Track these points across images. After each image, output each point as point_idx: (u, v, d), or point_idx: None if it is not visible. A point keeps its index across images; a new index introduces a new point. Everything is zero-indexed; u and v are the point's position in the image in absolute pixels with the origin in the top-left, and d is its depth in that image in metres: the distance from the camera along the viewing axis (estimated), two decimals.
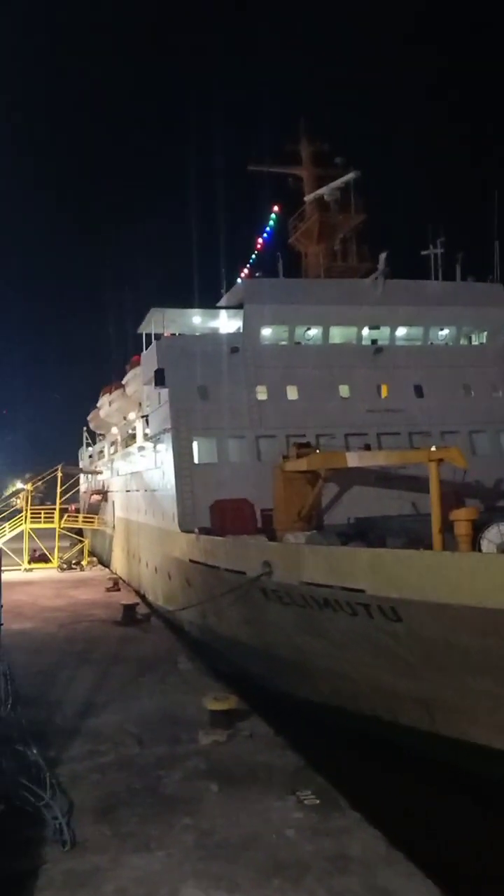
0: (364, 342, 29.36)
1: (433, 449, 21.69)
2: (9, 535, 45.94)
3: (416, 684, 16.39)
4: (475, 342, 30.97)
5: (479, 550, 16.05)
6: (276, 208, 35.49)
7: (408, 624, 15.92)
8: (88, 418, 59.76)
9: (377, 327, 29.05)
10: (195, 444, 27.18)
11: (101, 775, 13.08)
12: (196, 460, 27.07)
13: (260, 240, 36.09)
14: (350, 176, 31.04)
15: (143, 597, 33.37)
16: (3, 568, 17.10)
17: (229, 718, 15.21)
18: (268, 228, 35.86)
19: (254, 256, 35.99)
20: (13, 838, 10.50)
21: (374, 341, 29.17)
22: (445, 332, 30.58)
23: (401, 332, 29.92)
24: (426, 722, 16.41)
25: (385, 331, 29.32)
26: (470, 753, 15.43)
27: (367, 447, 26.36)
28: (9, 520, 47.29)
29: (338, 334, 29.62)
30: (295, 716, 17.58)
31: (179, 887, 9.24)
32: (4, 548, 45.21)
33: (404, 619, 15.93)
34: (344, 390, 28.31)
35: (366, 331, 29.30)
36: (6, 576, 16.40)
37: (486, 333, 30.58)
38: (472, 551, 16.07)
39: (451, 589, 14.76)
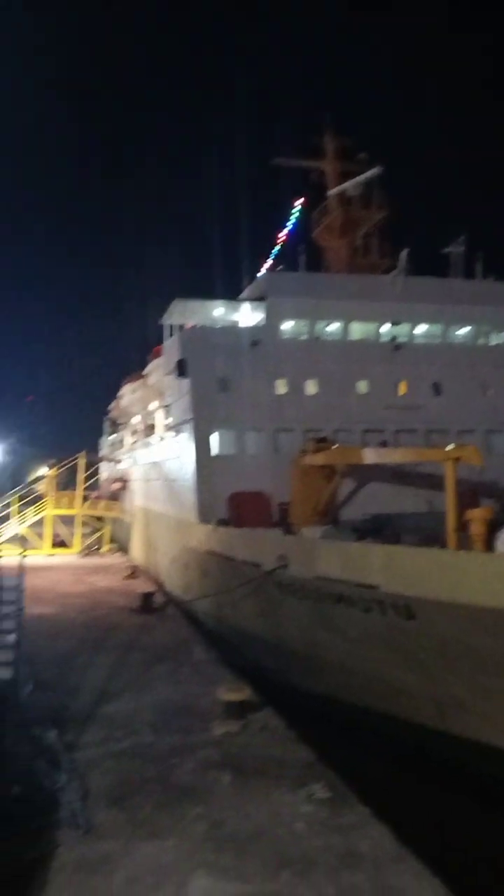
0: (383, 339, 29.39)
1: (450, 447, 21.76)
2: (32, 520, 46.56)
3: (429, 682, 16.53)
4: (494, 342, 30.83)
5: (494, 550, 16.09)
6: (299, 202, 35.49)
7: (421, 622, 16.04)
8: (110, 408, 60.22)
9: (397, 324, 29.06)
10: (215, 436, 27.39)
11: (115, 762, 13.37)
12: (215, 452, 27.28)
13: (282, 233, 36.12)
14: (374, 172, 30.95)
15: (160, 585, 33.72)
16: (26, 552, 17.39)
17: (242, 710, 15.45)
18: (291, 222, 35.87)
19: (276, 250, 36.06)
20: (28, 822, 10.80)
21: (393, 338, 29.17)
22: (465, 330, 30.51)
23: (420, 329, 29.91)
24: (438, 720, 16.56)
25: (405, 327, 29.32)
26: (481, 754, 15.57)
27: (385, 444, 26.44)
28: (32, 505, 47.88)
29: (357, 330, 29.65)
30: (307, 710, 17.76)
31: (189, 878, 9.49)
32: (27, 532, 45.94)
33: (418, 616, 16.06)
34: (362, 386, 28.37)
35: (385, 327, 29.33)
36: (28, 560, 16.69)
37: None
38: (486, 551, 16.13)
39: (465, 588, 14.86)
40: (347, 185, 31.68)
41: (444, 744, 16.08)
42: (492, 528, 16.45)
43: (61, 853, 10.10)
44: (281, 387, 27.89)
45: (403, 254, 28.34)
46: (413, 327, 29.49)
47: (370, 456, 22.65)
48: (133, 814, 11.30)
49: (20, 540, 43.89)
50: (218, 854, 10.04)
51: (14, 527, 45.26)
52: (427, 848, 10.21)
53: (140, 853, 10.11)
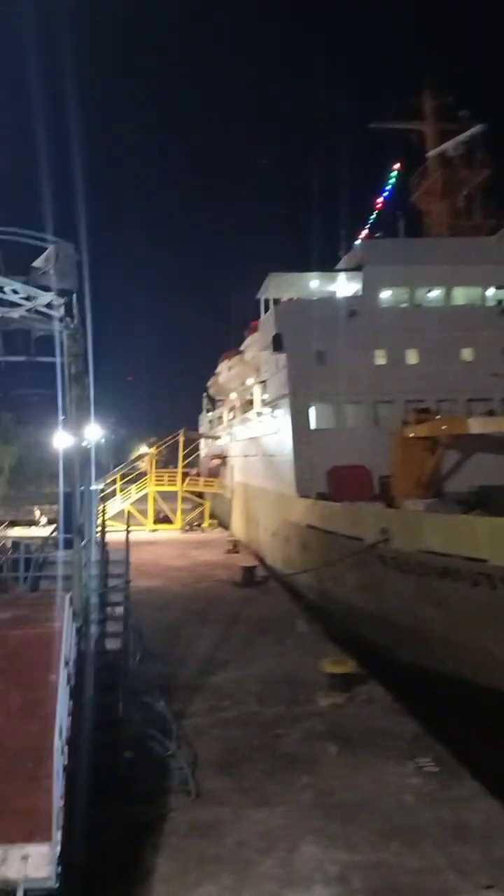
0: (489, 303, 28.25)
1: None
2: (135, 497, 47.83)
3: None
4: None
5: None
6: (396, 166, 34.41)
7: None
8: (208, 384, 60.86)
9: (502, 287, 27.87)
10: (313, 410, 27.18)
11: (223, 730, 13.58)
12: (313, 426, 27.09)
13: (380, 200, 35.15)
14: (476, 129, 29.65)
15: (261, 559, 33.98)
16: (129, 528, 17.84)
17: (347, 682, 15.39)
18: (388, 188, 34.87)
19: (373, 217, 35.15)
20: (142, 787, 11.12)
21: (499, 302, 28.00)
22: None
23: None
24: None
25: None
26: None
27: (492, 413, 25.51)
28: (135, 482, 49.17)
29: (461, 295, 28.62)
30: (412, 684, 17.51)
31: (298, 844, 9.53)
32: (131, 508, 47.24)
33: None
34: (467, 353, 27.41)
35: (491, 290, 28.17)
36: (132, 535, 17.10)
37: None
38: None
39: None
40: (448, 144, 30.48)
41: None
42: None
43: (173, 817, 10.35)
44: (380, 357, 27.32)
45: None
46: None
47: (476, 426, 21.96)
48: (241, 781, 11.45)
49: (124, 516, 45.23)
50: (326, 822, 10.05)
51: (118, 504, 46.59)
52: None
53: (249, 819, 10.23)
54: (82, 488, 12.98)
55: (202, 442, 63.35)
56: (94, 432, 24.40)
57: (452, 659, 18.81)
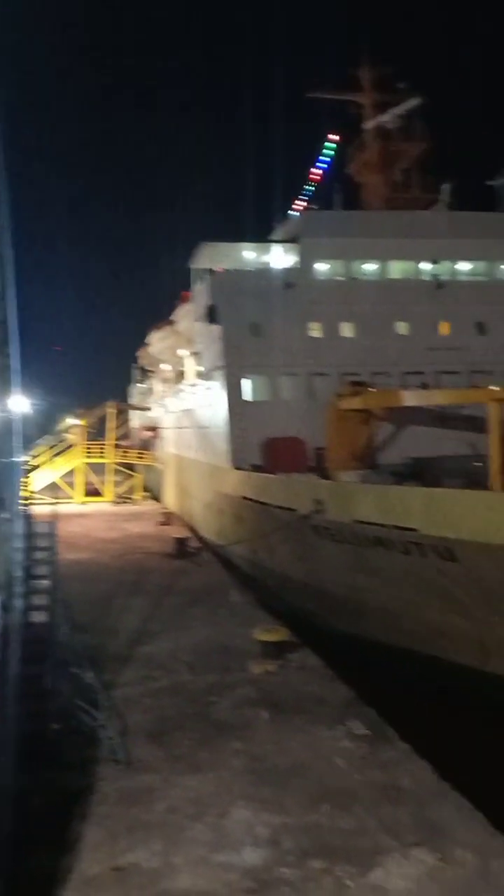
0: (424, 277, 28.44)
1: (494, 388, 21.08)
2: (64, 469, 46.84)
3: (471, 624, 16.27)
4: None
5: None
6: (333, 137, 34.07)
7: (463, 564, 15.72)
8: (138, 355, 59.73)
9: (438, 262, 28.03)
10: (248, 382, 26.96)
11: (154, 700, 13.40)
12: (248, 398, 26.89)
13: (316, 171, 34.83)
14: (413, 102, 29.61)
15: (194, 531, 33.77)
16: (58, 501, 17.37)
17: (280, 650, 15.37)
18: (325, 159, 34.55)
19: (309, 189, 34.82)
20: (70, 757, 10.84)
21: (435, 276, 28.21)
22: None
23: (463, 266, 28.84)
24: (480, 661, 16.32)
25: (447, 265, 28.29)
26: None
27: (425, 386, 25.78)
28: (63, 454, 48.11)
29: (397, 269, 28.71)
30: (345, 651, 17.67)
31: (229, 808, 9.44)
32: (60, 481, 46.26)
33: (460, 559, 15.74)
34: (402, 327, 27.57)
35: (427, 265, 28.34)
36: (61, 509, 16.65)
37: None
38: None
39: None
40: (385, 116, 30.35)
41: (486, 684, 15.86)
42: None
43: (103, 786, 10.14)
44: (316, 330, 27.22)
45: (446, 187, 27.21)
46: (455, 264, 28.43)
47: (410, 398, 22.10)
48: (172, 749, 11.29)
49: (53, 489, 44.23)
50: (258, 787, 9.98)
51: (47, 476, 45.57)
52: (469, 784, 10.03)
53: (180, 785, 10.09)
54: (5, 460, 12.44)
55: (133, 413, 62.41)
56: (19, 403, 23.58)
57: (385, 626, 19.07)
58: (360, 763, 10.66)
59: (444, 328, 27.53)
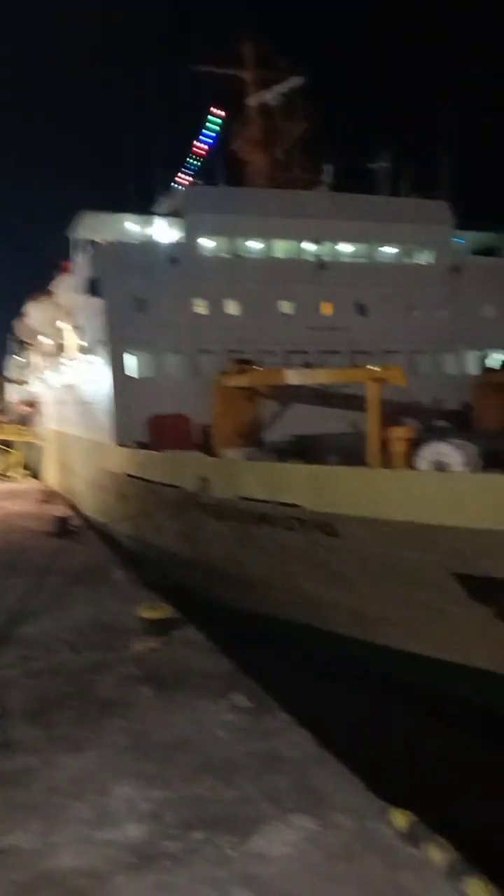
0: (307, 257, 28.79)
1: (374, 367, 21.67)
2: None
3: (351, 596, 16.80)
4: (420, 261, 30.66)
5: (415, 468, 16.24)
6: (217, 112, 33.68)
7: (343, 538, 16.18)
8: (13, 325, 57.25)
9: (321, 242, 28.45)
10: (132, 358, 26.53)
11: (33, 680, 13.05)
12: (133, 374, 26.49)
13: (200, 145, 34.37)
14: (295, 81, 29.74)
15: (76, 509, 33.08)
16: None
17: (164, 627, 15.32)
18: (209, 133, 34.14)
19: (193, 162, 34.36)
20: None
21: (317, 257, 28.61)
22: (391, 249, 30.19)
23: (345, 248, 29.40)
24: (360, 631, 16.92)
25: (329, 246, 28.76)
26: (402, 662, 16.03)
27: (309, 365, 26.19)
28: None
29: (281, 248, 28.93)
30: (230, 625, 17.85)
31: (111, 786, 9.34)
32: None
33: (341, 533, 16.18)
34: (286, 306, 27.85)
35: (309, 245, 28.69)
36: None
37: (431, 253, 30.31)
38: (407, 468, 16.28)
39: (387, 505, 15.01)
40: (268, 94, 30.32)
41: (365, 653, 16.47)
42: (413, 447, 16.58)
43: None
44: (201, 307, 27.09)
45: (327, 168, 27.57)
46: (337, 245, 28.94)
47: (293, 377, 22.37)
48: (52, 729, 11.04)
49: None
50: (141, 763, 9.92)
51: None
52: (348, 750, 10.35)
53: (61, 765, 9.89)
54: None
55: (9, 387, 60.13)
56: None
57: (270, 600, 19.41)
58: (242, 734, 10.79)
59: (327, 308, 28.03)
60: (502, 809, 11.57)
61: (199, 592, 21.49)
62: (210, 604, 20.68)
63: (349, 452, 19.55)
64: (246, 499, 18.39)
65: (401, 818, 8.53)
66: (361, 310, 28.20)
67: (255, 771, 9.75)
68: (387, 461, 17.11)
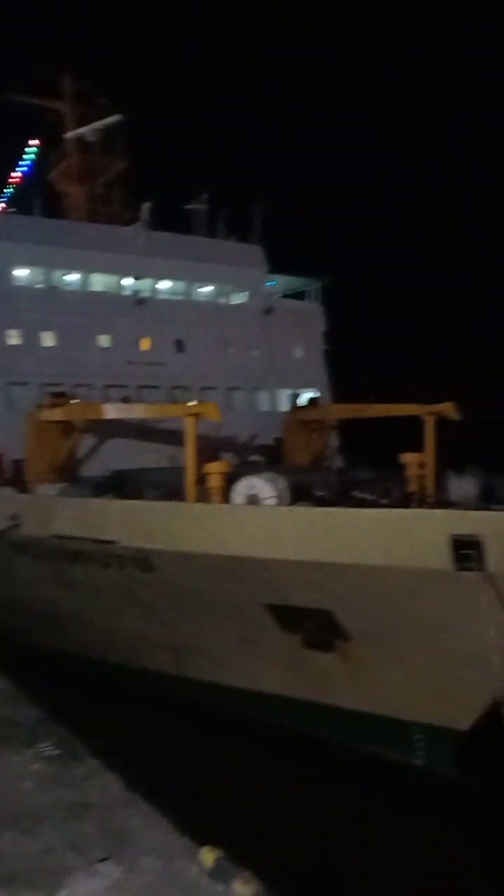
0: (126, 292, 28.87)
1: (191, 403, 22.00)
2: None
3: (167, 632, 16.79)
4: (235, 301, 31.66)
5: (230, 502, 16.60)
6: (33, 142, 33.13)
7: (159, 573, 16.16)
8: None
9: (140, 278, 28.66)
10: None
11: None
12: None
13: (16, 174, 33.58)
14: (114, 119, 29.95)
15: None
16: None
17: None
18: (26, 163, 33.44)
19: (8, 190, 33.47)
20: None
21: (136, 292, 28.77)
22: (207, 288, 30.97)
23: (164, 285, 29.80)
24: (174, 667, 16.90)
25: (147, 282, 29.03)
26: (217, 694, 16.16)
27: (127, 399, 26.12)
28: None
29: (99, 282, 28.80)
30: (43, 668, 17.21)
31: None
32: None
33: (156, 568, 16.16)
34: (104, 340, 27.65)
35: (128, 281, 28.80)
36: None
37: (245, 294, 31.42)
38: (223, 503, 16.59)
39: (202, 539, 15.20)
40: (86, 129, 30.31)
41: (180, 688, 16.47)
42: (229, 482, 16.95)
43: None
44: (13, 337, 26.25)
45: (146, 206, 27.88)
46: (156, 282, 29.27)
47: (111, 411, 22.21)
48: None
49: None
50: None
51: None
52: (159, 790, 10.26)
53: None
54: None
55: None
56: None
57: (86, 640, 18.94)
58: (48, 784, 10.36)
59: (145, 343, 28.18)
60: (311, 835, 11.94)
61: (13, 634, 20.59)
62: (26, 646, 19.86)
63: (167, 487, 19.65)
64: (60, 536, 17.91)
65: (208, 856, 8.54)
66: (179, 346, 28.61)
67: (60, 820, 9.38)
68: (203, 495, 17.36)
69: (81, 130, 30.34)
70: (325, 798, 12.94)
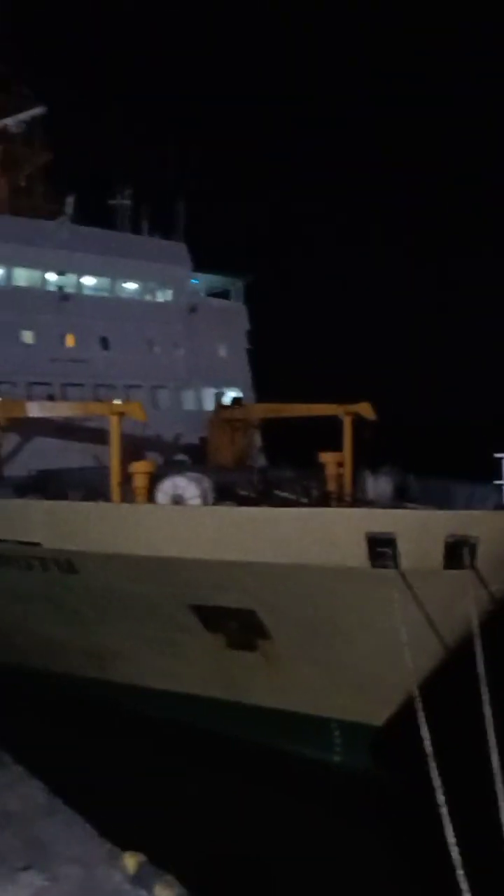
0: (50, 288, 28.36)
1: (115, 402, 21.80)
2: None
3: (89, 635, 16.71)
4: (160, 299, 31.49)
5: (155, 501, 16.62)
6: None
7: (83, 575, 16.07)
8: None
9: (63, 273, 28.17)
10: None
11: None
12: None
13: None
14: (37, 110, 29.26)
15: None
16: None
17: None
18: None
19: None
20: None
21: (60, 288, 28.28)
22: (132, 285, 30.68)
23: (89, 281, 29.38)
24: (97, 670, 16.86)
25: (71, 278, 28.56)
26: (140, 697, 16.22)
27: (51, 397, 25.72)
28: None
29: (22, 276, 28.16)
30: None
31: None
32: None
33: (80, 570, 16.06)
34: (28, 336, 27.07)
35: (52, 276, 28.29)
36: None
37: (170, 291, 31.28)
38: (148, 502, 16.59)
39: (126, 539, 15.19)
40: (8, 120, 29.53)
41: (103, 692, 16.44)
42: (154, 481, 16.96)
43: None
44: None
45: (69, 199, 27.39)
46: (80, 278, 28.83)
47: (34, 410, 21.88)
48: None
49: None
50: None
51: None
52: (81, 796, 10.32)
53: None
54: None
55: None
56: None
57: (7, 646, 18.65)
58: None
59: (70, 340, 27.76)
60: (232, 837, 12.11)
61: None
62: None
63: (92, 487, 19.49)
64: None
65: (130, 861, 8.66)
66: (104, 343, 28.29)
67: None
68: (128, 495, 17.32)
69: (6, 121, 29.57)
70: (246, 799, 13.18)
